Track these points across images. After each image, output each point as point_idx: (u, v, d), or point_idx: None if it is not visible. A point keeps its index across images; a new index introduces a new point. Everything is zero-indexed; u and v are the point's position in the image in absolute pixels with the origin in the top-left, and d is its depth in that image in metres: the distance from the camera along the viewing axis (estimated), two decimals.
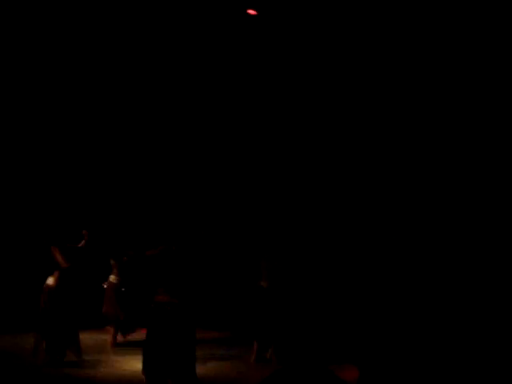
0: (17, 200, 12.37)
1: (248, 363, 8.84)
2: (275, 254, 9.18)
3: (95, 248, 9.58)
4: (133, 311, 10.08)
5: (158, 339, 6.59)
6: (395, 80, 10.77)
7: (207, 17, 10.57)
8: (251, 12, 10.01)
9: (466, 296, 9.94)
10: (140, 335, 9.41)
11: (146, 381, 6.69)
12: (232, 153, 12.63)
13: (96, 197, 12.77)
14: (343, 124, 11.61)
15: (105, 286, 10.27)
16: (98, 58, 11.57)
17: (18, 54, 11.20)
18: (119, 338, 10.13)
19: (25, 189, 12.43)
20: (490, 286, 9.86)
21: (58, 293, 8.47)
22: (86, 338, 9.79)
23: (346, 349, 9.33)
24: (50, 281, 8.53)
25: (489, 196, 10.18)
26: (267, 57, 11.17)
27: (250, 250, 9.72)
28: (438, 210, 10.54)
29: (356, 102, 11.34)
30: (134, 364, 8.33)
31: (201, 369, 7.29)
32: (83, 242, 8.84)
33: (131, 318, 10.09)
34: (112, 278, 10.21)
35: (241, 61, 11.42)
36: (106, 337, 10.22)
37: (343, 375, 7.01)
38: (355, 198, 11.42)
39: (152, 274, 6.82)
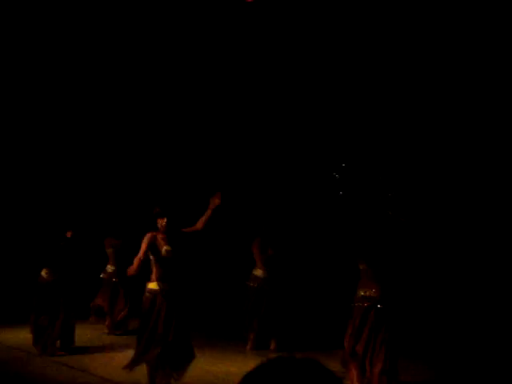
0: (13, 194, 12.36)
1: (245, 353, 8.82)
2: (271, 242, 9.17)
3: (87, 240, 9.60)
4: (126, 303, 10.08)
5: (151, 326, 6.58)
6: (395, 77, 10.73)
7: (204, 6, 10.52)
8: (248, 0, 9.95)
9: (464, 295, 9.95)
10: (133, 325, 9.46)
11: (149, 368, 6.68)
12: (225, 144, 12.59)
13: (92, 190, 12.74)
14: (341, 118, 11.58)
15: (101, 276, 10.28)
16: (97, 57, 11.53)
17: (17, 53, 11.18)
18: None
19: (21, 183, 12.41)
20: (490, 286, 9.85)
21: (52, 285, 8.52)
22: (85, 327, 9.85)
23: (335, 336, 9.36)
24: (44, 273, 8.58)
25: (489, 196, 10.16)
26: (265, 45, 11.10)
27: (243, 239, 9.70)
28: (438, 209, 10.52)
29: (354, 97, 11.30)
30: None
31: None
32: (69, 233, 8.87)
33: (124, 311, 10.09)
34: (109, 267, 10.21)
35: (238, 49, 11.36)
36: (102, 327, 10.22)
37: (331, 364, 6.95)
38: (351, 193, 11.40)
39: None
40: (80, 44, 11.18)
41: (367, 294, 6.62)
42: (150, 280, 6.71)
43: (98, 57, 11.53)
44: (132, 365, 6.76)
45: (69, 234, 8.88)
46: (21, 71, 11.54)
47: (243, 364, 7.67)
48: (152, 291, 6.64)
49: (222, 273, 11.87)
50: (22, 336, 9.16)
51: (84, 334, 9.47)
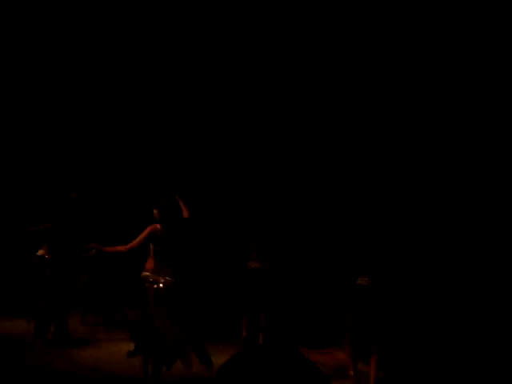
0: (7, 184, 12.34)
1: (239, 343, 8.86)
2: (269, 236, 9.20)
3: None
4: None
5: (150, 317, 6.59)
6: (395, 78, 10.72)
7: (202, 10, 10.52)
8: None
9: (461, 295, 9.97)
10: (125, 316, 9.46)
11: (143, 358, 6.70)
12: (223, 141, 12.58)
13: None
14: (342, 119, 11.57)
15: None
16: (97, 56, 11.49)
17: (17, 54, 11.14)
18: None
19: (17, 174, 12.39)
20: (490, 286, 9.86)
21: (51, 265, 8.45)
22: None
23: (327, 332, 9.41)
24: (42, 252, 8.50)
25: (489, 196, 10.16)
26: (263, 49, 11.11)
27: (239, 232, 9.72)
28: (437, 209, 10.53)
29: (355, 97, 11.29)
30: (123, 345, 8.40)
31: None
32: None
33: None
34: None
35: (236, 53, 11.37)
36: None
37: (318, 357, 6.99)
38: (352, 193, 11.41)
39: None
40: (80, 44, 11.14)
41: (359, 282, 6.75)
42: (146, 266, 6.70)
43: (98, 57, 11.49)
44: (134, 353, 6.77)
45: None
46: (21, 71, 11.50)
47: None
48: (147, 276, 6.67)
49: (219, 266, 11.88)
50: (12, 325, 9.17)
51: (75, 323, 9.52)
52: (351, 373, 6.99)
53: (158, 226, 6.69)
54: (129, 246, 6.68)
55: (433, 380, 7.76)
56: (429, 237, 10.05)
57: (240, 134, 12.33)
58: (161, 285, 6.60)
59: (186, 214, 6.81)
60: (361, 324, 6.77)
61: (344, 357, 7.40)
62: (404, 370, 7.70)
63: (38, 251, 8.57)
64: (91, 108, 12.48)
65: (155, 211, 6.73)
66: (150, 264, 6.67)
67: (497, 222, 9.78)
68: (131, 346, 6.84)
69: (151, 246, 6.66)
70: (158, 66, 11.91)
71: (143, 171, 12.42)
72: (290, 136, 11.88)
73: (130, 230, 7.19)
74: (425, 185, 10.46)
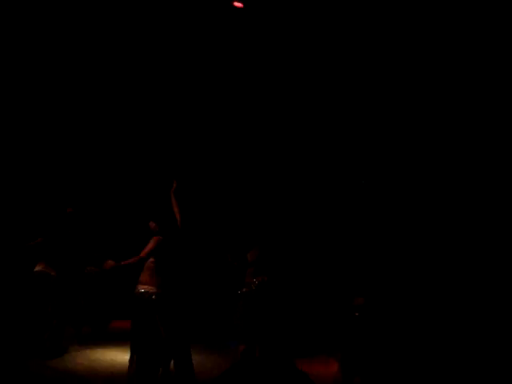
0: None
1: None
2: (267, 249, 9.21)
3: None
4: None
5: (144, 330, 6.59)
6: (394, 79, 10.78)
7: (193, 10, 10.54)
8: (237, 5, 9.98)
9: (460, 295, 9.98)
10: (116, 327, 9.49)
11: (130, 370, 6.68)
12: (222, 147, 12.60)
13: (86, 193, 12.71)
14: (340, 120, 11.61)
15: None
16: (97, 57, 11.51)
17: (18, 54, 11.13)
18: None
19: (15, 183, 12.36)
20: (490, 286, 9.88)
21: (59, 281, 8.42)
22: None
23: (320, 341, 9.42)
24: (50, 270, 8.41)
25: (489, 196, 10.20)
26: (253, 51, 11.14)
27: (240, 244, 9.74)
28: (437, 209, 10.56)
29: (353, 97, 11.33)
30: (114, 355, 8.42)
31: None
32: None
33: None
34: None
35: (227, 54, 11.39)
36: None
37: (313, 368, 7.02)
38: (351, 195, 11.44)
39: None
40: (80, 44, 11.14)
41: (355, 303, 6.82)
42: (142, 279, 6.69)
43: (98, 57, 11.49)
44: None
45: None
46: (21, 71, 11.48)
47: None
48: (147, 294, 6.64)
49: (215, 278, 11.87)
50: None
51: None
52: None
53: (161, 237, 6.70)
54: (138, 257, 6.61)
55: None
56: (428, 249, 10.09)
57: (239, 143, 12.36)
58: (154, 296, 6.60)
59: (178, 223, 6.83)
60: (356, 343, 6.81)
61: (337, 368, 7.42)
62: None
63: (35, 266, 8.45)
64: (86, 119, 12.49)
65: (152, 224, 6.75)
66: (145, 276, 6.65)
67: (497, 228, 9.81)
68: (124, 356, 6.84)
69: (152, 260, 6.65)
70: (160, 75, 11.95)
71: (139, 182, 12.43)
72: (289, 146, 11.92)
73: (126, 243, 7.21)
74: (426, 194, 10.49)
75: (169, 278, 6.71)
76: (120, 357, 7.93)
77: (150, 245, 6.64)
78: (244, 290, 9.04)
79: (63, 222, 8.67)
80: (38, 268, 8.41)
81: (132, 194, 12.40)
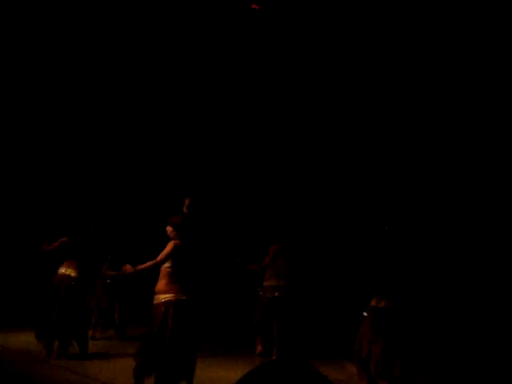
0: (17, 195, 12.39)
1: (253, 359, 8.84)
2: (284, 252, 9.17)
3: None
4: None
5: (159, 335, 6.57)
6: (396, 80, 10.73)
7: (211, 11, 10.54)
8: (254, 6, 9.98)
9: (465, 295, 9.91)
10: (135, 331, 9.49)
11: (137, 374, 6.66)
12: (234, 147, 12.59)
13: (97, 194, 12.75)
14: (347, 122, 11.56)
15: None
16: (97, 57, 11.54)
17: (17, 54, 11.19)
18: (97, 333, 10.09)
19: (25, 184, 12.43)
20: (491, 286, 9.81)
21: (78, 283, 8.43)
22: None
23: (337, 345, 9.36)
24: (68, 271, 8.44)
25: (489, 196, 10.12)
26: (270, 51, 11.13)
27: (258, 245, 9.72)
28: (438, 209, 10.49)
29: (358, 98, 11.29)
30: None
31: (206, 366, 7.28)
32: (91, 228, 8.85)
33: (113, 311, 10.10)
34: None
35: (244, 55, 11.38)
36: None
37: (332, 372, 6.98)
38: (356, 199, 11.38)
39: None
40: (80, 44, 11.18)
41: (380, 305, 6.70)
42: (160, 288, 6.67)
43: (98, 57, 11.53)
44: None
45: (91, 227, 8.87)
46: (21, 71, 11.54)
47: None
48: (166, 300, 6.62)
49: (234, 281, 11.86)
50: (23, 339, 9.17)
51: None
52: None
53: (178, 242, 6.68)
54: (155, 261, 6.61)
55: None
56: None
57: (253, 149, 12.34)
58: (172, 300, 6.58)
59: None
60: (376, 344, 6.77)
61: (356, 370, 7.37)
62: None
63: (58, 269, 8.51)
64: (107, 133, 12.56)
65: (169, 229, 6.74)
66: (163, 282, 6.63)
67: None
68: None
69: (166, 263, 6.64)
70: (170, 88, 11.98)
71: (156, 190, 12.46)
72: (308, 150, 11.88)
73: (145, 250, 7.22)
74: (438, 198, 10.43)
75: (186, 283, 6.69)
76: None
77: (167, 249, 6.62)
78: (262, 292, 9.04)
79: (86, 240, 8.73)
80: (60, 269, 8.48)
81: (149, 200, 12.44)
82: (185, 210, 7.08)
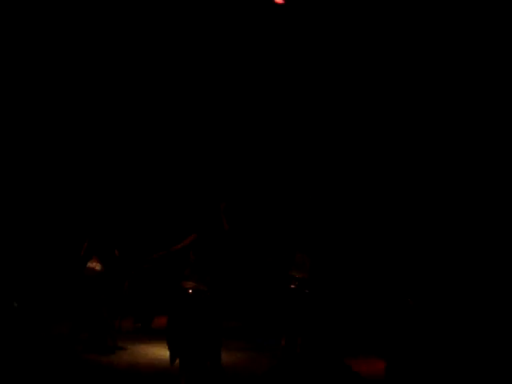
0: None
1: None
2: (309, 250, 9.19)
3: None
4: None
5: (182, 326, 6.61)
6: (395, 80, 10.67)
7: (234, 5, 10.55)
8: (278, 1, 9.95)
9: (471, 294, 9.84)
10: (159, 323, 9.57)
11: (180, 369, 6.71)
12: (254, 149, 12.61)
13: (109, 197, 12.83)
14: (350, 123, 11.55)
15: None
16: (97, 57, 11.56)
17: (17, 54, 11.23)
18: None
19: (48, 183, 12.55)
20: (491, 286, 9.73)
21: (105, 277, 8.59)
22: None
23: (369, 342, 9.36)
24: (95, 265, 8.61)
25: (489, 196, 10.04)
26: (294, 45, 11.10)
27: (281, 243, 9.74)
28: (438, 209, 10.43)
29: (362, 99, 11.26)
30: (157, 351, 8.52)
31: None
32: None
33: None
34: None
35: (269, 49, 11.37)
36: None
37: (362, 368, 7.00)
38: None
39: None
40: (80, 44, 11.20)
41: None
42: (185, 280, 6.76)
43: (98, 57, 11.55)
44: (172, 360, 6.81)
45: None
46: (21, 71, 11.58)
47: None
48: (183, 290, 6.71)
49: (261, 275, 11.91)
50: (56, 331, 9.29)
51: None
52: None
53: (196, 234, 6.74)
54: (168, 250, 6.72)
55: None
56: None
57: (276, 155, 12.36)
58: (203, 295, 6.64)
59: (225, 226, 6.86)
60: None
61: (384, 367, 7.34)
62: None
63: (88, 263, 8.66)
64: (131, 141, 12.65)
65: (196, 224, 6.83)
66: (187, 272, 6.71)
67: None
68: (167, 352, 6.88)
69: (190, 256, 6.70)
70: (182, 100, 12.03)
71: (187, 187, 12.55)
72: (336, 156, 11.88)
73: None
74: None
75: (209, 275, 6.74)
76: (163, 353, 7.96)
77: (185, 241, 6.71)
78: (291, 286, 9.06)
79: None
80: (89, 264, 8.64)
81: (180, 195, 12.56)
82: (221, 215, 7.10)
